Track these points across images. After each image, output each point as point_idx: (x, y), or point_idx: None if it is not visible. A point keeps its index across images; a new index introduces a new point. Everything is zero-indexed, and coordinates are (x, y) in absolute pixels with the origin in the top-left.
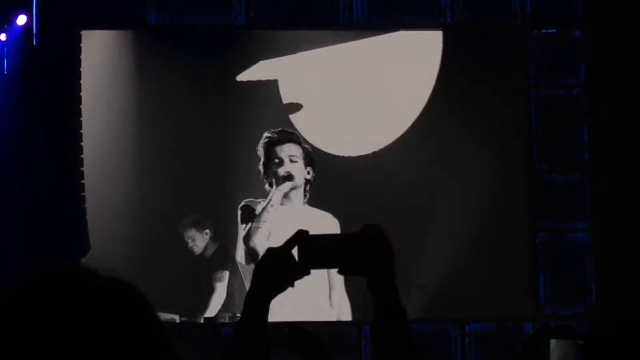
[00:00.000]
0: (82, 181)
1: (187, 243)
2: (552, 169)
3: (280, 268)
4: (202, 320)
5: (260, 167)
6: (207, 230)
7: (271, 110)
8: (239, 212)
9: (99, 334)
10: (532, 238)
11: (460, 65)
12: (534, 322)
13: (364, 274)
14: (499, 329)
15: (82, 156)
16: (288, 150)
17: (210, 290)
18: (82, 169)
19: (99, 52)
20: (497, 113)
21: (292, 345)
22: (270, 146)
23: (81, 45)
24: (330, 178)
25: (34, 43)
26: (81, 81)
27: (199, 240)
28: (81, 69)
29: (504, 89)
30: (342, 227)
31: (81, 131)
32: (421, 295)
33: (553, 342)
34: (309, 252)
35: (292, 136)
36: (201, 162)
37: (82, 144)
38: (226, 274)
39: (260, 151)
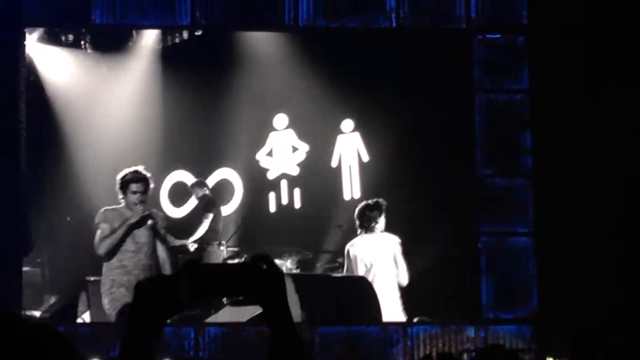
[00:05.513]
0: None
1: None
2: (494, 174)
3: (164, 297)
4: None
5: None
6: (205, 189)
7: None
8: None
9: None
10: (475, 242)
11: (406, 69)
12: (476, 325)
13: (256, 303)
14: (441, 331)
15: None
16: None
17: (200, 224)
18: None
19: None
20: (441, 117)
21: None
22: None
23: (25, 42)
24: None
25: None
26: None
27: (200, 192)
28: (23, 67)
29: (448, 93)
30: None
31: (22, 130)
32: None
33: None
34: (197, 282)
35: None
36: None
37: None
38: (210, 215)
39: None
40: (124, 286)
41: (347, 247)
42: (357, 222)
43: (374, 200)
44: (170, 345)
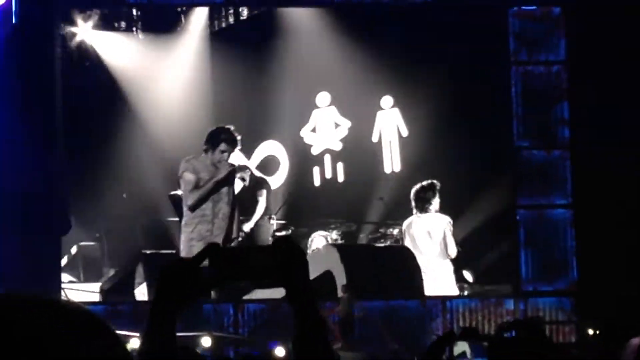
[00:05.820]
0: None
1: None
2: (532, 146)
3: (187, 280)
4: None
5: None
6: (248, 171)
7: None
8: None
9: None
10: (513, 214)
11: (441, 43)
12: (515, 298)
13: (279, 285)
14: (481, 305)
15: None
16: None
17: (256, 202)
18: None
19: None
20: (477, 90)
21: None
22: None
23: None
24: None
25: (14, 22)
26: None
27: (246, 176)
28: (59, 47)
29: (484, 66)
30: None
31: (58, 110)
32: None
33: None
34: (220, 265)
35: None
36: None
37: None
38: (264, 192)
39: None
40: (203, 239)
41: (404, 226)
42: (413, 203)
43: (428, 182)
44: (210, 321)
